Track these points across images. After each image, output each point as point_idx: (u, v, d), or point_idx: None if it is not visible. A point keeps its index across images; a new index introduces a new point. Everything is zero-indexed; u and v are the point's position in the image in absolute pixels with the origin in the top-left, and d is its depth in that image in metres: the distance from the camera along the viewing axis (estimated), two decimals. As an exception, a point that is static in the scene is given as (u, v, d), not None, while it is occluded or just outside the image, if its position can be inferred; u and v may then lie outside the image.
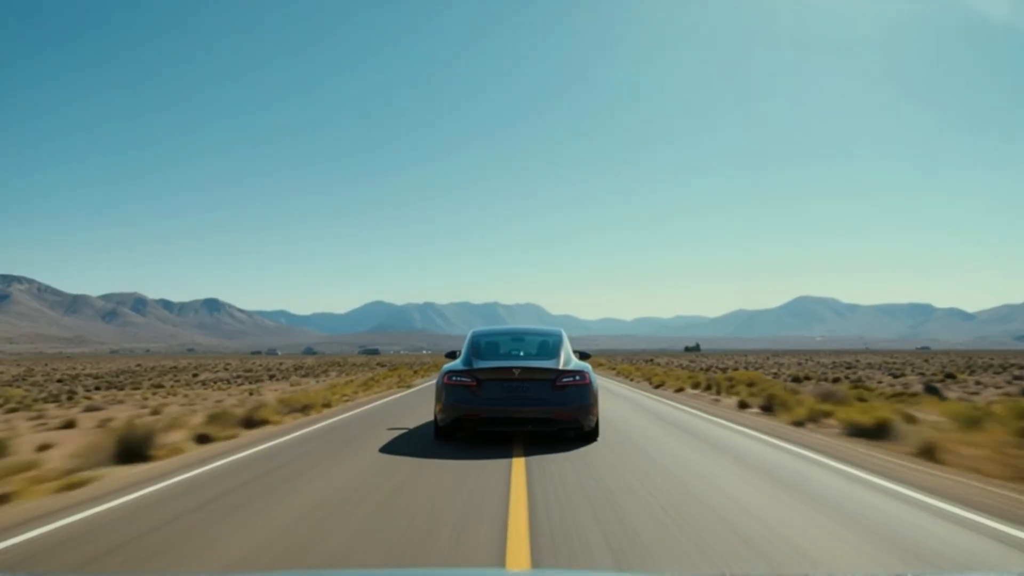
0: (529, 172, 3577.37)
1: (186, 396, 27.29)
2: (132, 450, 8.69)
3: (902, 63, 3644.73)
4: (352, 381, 27.02)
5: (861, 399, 15.24)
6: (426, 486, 6.59)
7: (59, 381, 42.18)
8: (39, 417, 19.38)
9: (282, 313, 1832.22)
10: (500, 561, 4.34)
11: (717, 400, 19.36)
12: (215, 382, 39.79)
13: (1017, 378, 38.56)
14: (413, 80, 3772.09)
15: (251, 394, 26.79)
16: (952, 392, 26.39)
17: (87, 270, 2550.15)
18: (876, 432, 10.18)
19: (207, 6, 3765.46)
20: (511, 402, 9.39)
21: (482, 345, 10.72)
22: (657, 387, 26.23)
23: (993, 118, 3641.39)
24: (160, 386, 31.96)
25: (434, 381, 12.86)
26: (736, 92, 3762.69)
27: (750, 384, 20.35)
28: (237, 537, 4.85)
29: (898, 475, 7.24)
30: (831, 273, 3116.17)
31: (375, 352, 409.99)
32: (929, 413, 11.83)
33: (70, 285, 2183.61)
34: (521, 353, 11.21)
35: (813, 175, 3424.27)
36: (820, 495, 6.26)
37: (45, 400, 25.96)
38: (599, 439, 10.04)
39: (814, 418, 12.62)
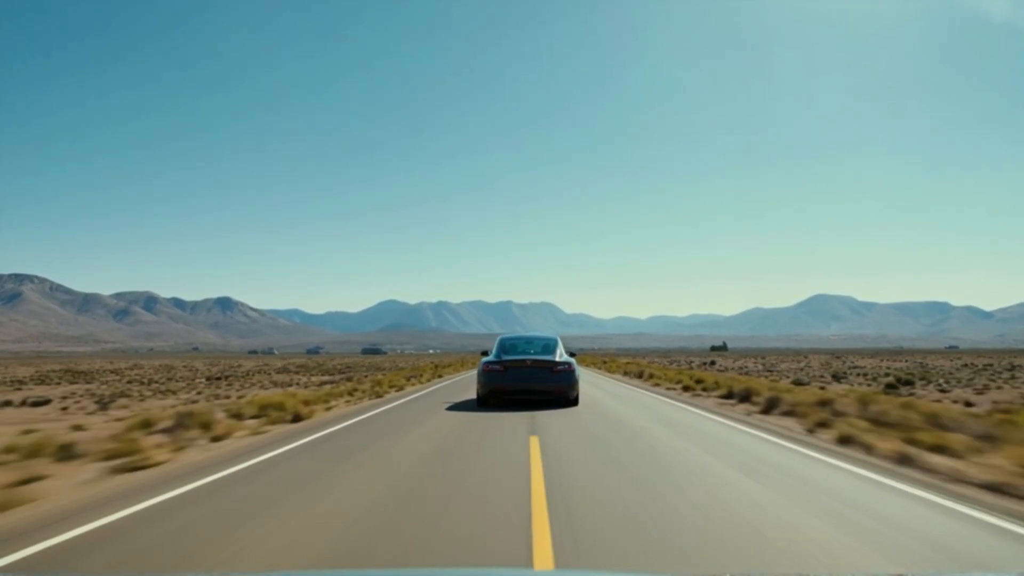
0: (543, 172, 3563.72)
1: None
2: None
3: (913, 61, 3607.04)
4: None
5: None
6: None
7: None
8: None
9: (296, 312, 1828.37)
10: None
11: None
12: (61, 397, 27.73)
13: None
14: (426, 80, 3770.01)
15: None
16: None
17: (99, 269, 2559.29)
18: None
19: (219, 9, 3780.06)
20: (525, 381, 15.52)
21: (506, 345, 16.93)
22: None
23: (1007, 114, 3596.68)
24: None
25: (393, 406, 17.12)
26: (748, 92, 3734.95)
27: None
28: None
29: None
30: (847, 271, 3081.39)
31: (377, 351, 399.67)
32: None
33: (82, 284, 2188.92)
34: (531, 351, 16.74)
35: (827, 173, 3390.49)
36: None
37: None
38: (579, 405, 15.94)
39: None
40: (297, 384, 38.07)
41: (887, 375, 41.50)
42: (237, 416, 11.48)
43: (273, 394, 16.22)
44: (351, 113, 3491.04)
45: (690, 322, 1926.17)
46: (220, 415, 11.56)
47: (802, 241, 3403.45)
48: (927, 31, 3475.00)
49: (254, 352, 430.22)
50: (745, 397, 16.15)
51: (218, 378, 50.19)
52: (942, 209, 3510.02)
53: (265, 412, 11.61)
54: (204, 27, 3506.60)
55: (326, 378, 43.93)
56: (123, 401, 25.60)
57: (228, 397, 24.74)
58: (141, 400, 26.57)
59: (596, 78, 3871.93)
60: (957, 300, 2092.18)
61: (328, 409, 14.50)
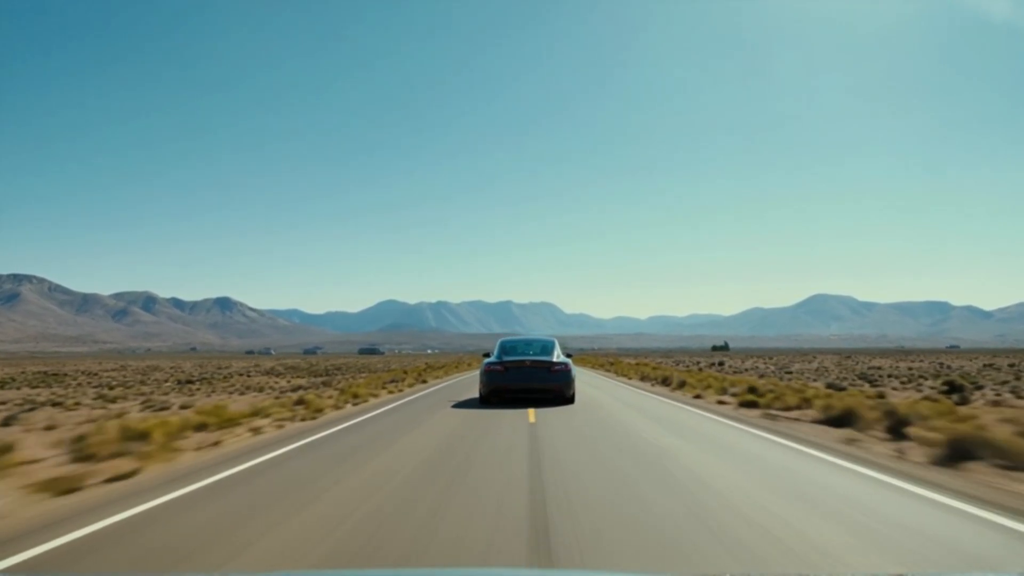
0: (543, 171, 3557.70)
1: None
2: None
3: (913, 61, 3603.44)
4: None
5: None
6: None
7: None
8: None
9: (295, 312, 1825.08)
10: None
11: None
12: None
13: None
14: (426, 80, 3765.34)
15: None
16: None
17: (98, 269, 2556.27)
18: None
19: (218, 9, 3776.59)
20: (524, 380, 16.43)
21: (507, 347, 18.05)
22: None
23: (1007, 114, 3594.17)
24: None
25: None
26: (748, 92, 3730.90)
27: None
28: None
29: None
30: (847, 271, 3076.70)
31: (375, 351, 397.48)
32: None
33: (81, 284, 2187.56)
34: (530, 352, 17.64)
35: (827, 173, 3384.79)
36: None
37: None
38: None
39: None
40: (271, 388, 34.41)
41: (921, 377, 37.65)
42: (85, 457, 7.70)
43: (193, 412, 12.25)
44: (351, 113, 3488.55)
45: (690, 322, 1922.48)
46: (58, 442, 7.89)
47: (802, 241, 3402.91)
48: (927, 31, 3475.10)
49: (251, 352, 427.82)
50: (849, 420, 10.91)
51: (191, 381, 46.51)
52: (942, 209, 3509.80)
53: (126, 448, 7.81)
54: (204, 27, 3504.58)
55: (303, 381, 40.23)
56: (48, 412, 21.81)
57: (168, 408, 21.04)
58: (69, 410, 22.61)
59: (596, 78, 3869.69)
60: (957, 300, 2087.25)
61: (215, 445, 9.64)
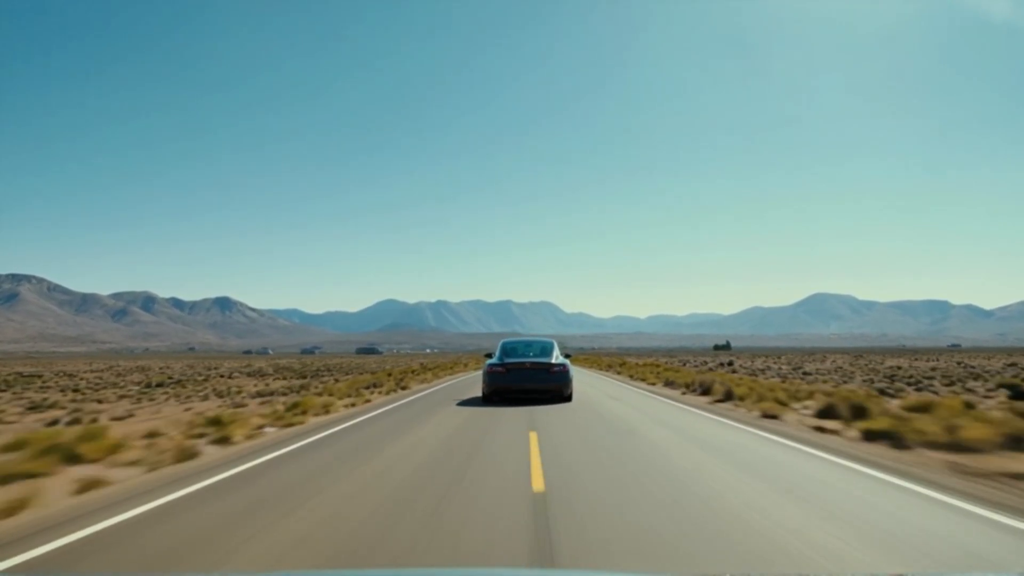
0: (543, 172, 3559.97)
1: None
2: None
3: (913, 61, 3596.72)
4: None
5: None
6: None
7: None
8: None
9: (295, 312, 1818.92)
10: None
11: None
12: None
13: None
14: (426, 80, 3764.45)
15: None
16: None
17: (97, 269, 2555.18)
18: None
19: (218, 9, 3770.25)
20: (524, 381, 17.31)
21: (508, 348, 18.81)
22: None
23: (1007, 114, 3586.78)
24: None
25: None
26: (748, 92, 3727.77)
27: None
28: None
29: None
30: (847, 270, 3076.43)
31: (373, 351, 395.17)
32: None
33: (80, 284, 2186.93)
34: (530, 353, 18.42)
35: (827, 173, 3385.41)
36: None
37: None
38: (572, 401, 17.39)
39: None
40: (240, 392, 31.21)
41: (960, 379, 34.40)
42: None
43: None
44: (351, 113, 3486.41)
45: (689, 321, 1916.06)
46: None
47: (802, 241, 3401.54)
48: (927, 31, 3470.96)
49: (248, 352, 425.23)
50: None
51: (162, 384, 43.28)
52: (942, 209, 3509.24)
53: None
54: (204, 27, 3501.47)
55: (281, 385, 36.98)
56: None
57: (95, 420, 17.73)
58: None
59: (596, 78, 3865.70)
60: (957, 299, 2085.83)
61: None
